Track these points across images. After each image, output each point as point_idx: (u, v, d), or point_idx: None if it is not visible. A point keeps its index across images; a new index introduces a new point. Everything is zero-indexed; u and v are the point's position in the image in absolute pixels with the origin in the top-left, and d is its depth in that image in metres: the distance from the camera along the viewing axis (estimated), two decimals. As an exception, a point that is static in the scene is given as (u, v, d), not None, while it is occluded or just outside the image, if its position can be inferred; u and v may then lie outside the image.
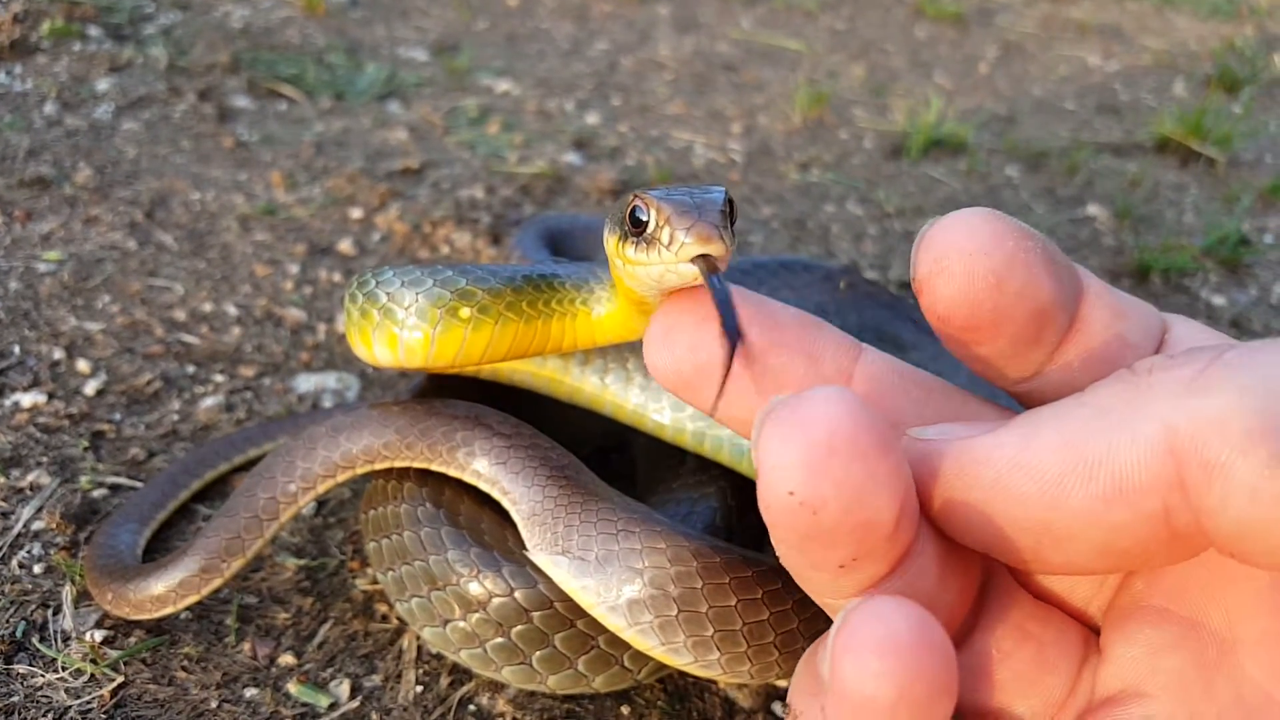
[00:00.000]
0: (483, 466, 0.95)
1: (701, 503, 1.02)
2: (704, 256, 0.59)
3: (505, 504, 0.93)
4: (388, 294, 0.89)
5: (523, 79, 2.81)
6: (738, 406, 0.59)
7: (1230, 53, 3.76)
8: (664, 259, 0.61)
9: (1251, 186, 2.54)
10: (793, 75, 3.12)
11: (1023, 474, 0.46)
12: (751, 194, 2.27)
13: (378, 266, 0.92)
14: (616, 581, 0.85)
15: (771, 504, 0.46)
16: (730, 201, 0.64)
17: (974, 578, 0.56)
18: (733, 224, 0.66)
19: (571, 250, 1.57)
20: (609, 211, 0.73)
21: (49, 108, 2.21)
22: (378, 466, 0.97)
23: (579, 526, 0.88)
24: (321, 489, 0.97)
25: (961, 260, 0.53)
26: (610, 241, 0.67)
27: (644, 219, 0.62)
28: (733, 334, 0.55)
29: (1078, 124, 2.94)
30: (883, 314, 1.24)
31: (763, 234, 2.08)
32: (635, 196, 0.64)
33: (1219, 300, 1.98)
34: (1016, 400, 0.62)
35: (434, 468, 0.96)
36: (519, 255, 1.44)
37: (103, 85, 2.36)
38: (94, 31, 2.67)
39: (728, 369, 0.55)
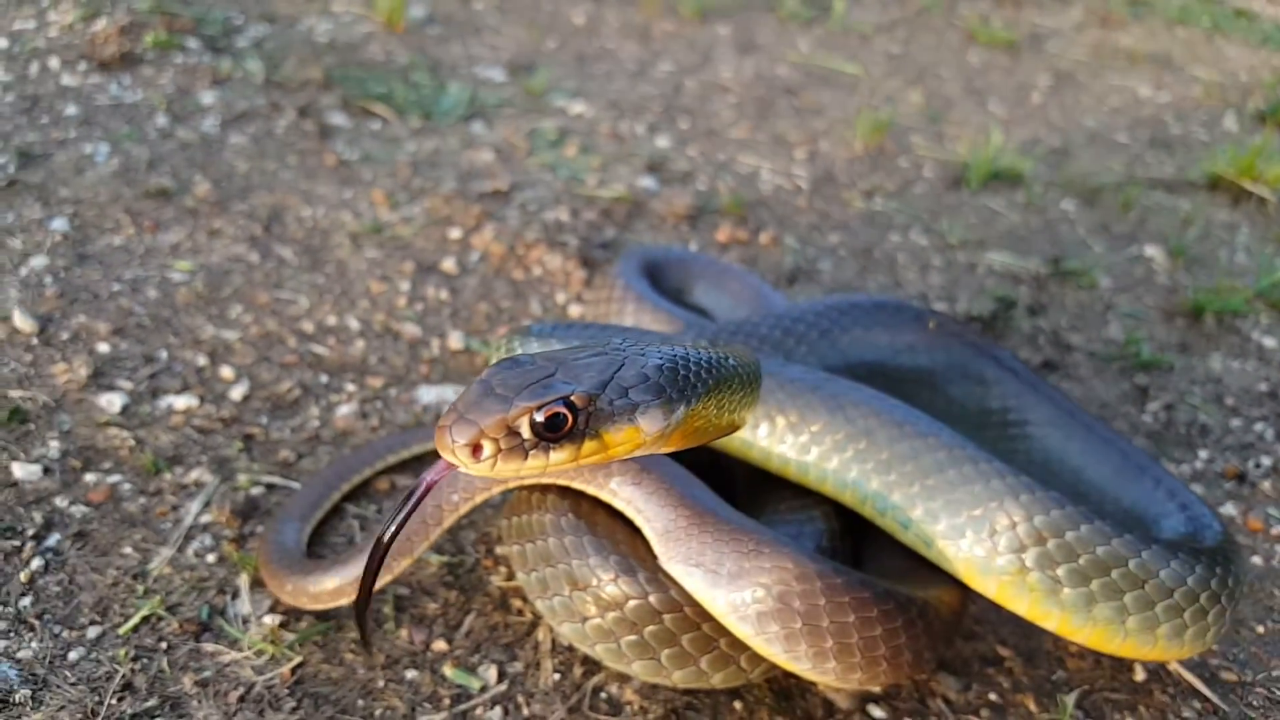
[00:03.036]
0: (619, 486, 1.08)
1: (809, 525, 1.15)
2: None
3: (639, 521, 1.06)
4: None
5: (595, 100, 2.94)
6: None
7: (1280, 87, 3.83)
8: None
9: (1300, 226, 2.63)
10: (851, 100, 3.23)
11: None
12: (819, 221, 2.38)
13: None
14: (748, 594, 0.98)
15: None
16: (551, 405, 0.73)
17: None
18: (553, 435, 0.73)
19: (666, 280, 1.70)
20: None
21: (160, 120, 2.37)
22: (527, 483, 1.11)
23: (712, 544, 1.01)
24: (479, 499, 1.10)
25: None
26: None
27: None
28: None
29: (1130, 158, 3.03)
30: (968, 352, 1.36)
31: (831, 262, 2.20)
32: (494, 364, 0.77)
33: (1270, 342, 2.08)
34: None
35: (575, 485, 1.10)
36: (622, 284, 1.57)
37: (207, 98, 2.51)
38: (192, 44, 2.82)
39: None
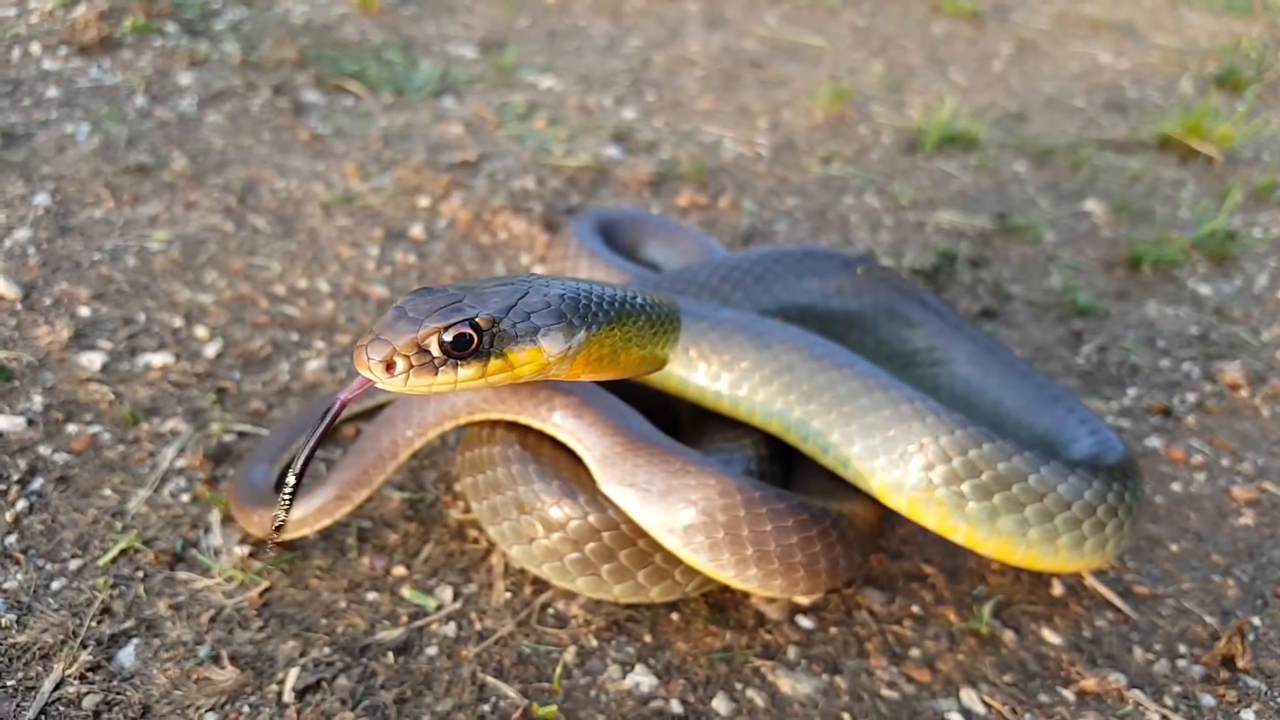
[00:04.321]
0: (561, 419, 1.16)
1: (739, 452, 1.24)
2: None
3: (579, 450, 1.15)
4: None
5: (564, 75, 3.00)
6: None
7: (1237, 52, 3.90)
8: None
9: (1246, 183, 2.71)
10: (815, 71, 3.31)
11: None
12: (777, 186, 2.46)
13: None
14: (676, 510, 1.07)
15: None
16: (458, 325, 0.83)
17: None
18: (460, 354, 0.83)
19: (620, 238, 1.78)
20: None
21: (139, 100, 2.43)
22: (476, 419, 1.19)
23: (644, 466, 1.10)
24: (432, 435, 1.19)
25: None
26: None
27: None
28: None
29: (1085, 121, 3.11)
30: (894, 296, 1.45)
31: (787, 224, 2.28)
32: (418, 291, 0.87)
33: (1205, 290, 2.17)
34: None
35: (521, 420, 1.18)
36: (575, 242, 1.65)
37: (184, 79, 2.57)
38: (171, 28, 2.88)
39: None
